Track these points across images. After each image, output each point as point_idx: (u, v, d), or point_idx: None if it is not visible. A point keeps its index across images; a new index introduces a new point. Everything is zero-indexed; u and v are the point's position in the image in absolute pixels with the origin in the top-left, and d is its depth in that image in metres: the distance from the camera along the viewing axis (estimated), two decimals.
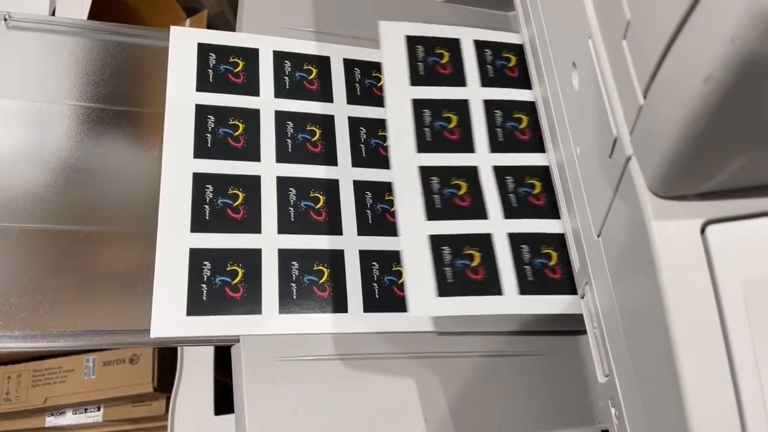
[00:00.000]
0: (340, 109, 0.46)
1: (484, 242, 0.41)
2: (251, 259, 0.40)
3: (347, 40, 0.49)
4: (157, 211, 0.40)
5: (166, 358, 0.69)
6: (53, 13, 0.63)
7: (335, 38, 0.48)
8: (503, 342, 0.41)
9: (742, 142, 0.22)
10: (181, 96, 0.44)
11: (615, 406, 0.34)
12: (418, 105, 0.45)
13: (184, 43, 0.45)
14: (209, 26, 0.78)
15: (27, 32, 0.44)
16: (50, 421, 0.74)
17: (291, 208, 0.42)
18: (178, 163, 0.42)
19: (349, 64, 0.48)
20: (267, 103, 0.45)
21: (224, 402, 0.64)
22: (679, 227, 0.25)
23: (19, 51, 0.44)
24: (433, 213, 0.41)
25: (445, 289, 0.39)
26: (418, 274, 0.39)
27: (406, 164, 0.42)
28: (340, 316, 0.40)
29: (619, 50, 0.26)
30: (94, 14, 0.63)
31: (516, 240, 0.41)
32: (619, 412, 0.34)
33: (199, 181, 0.41)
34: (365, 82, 0.48)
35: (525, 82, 0.47)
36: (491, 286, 0.40)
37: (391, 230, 0.43)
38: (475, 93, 0.46)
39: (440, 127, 0.44)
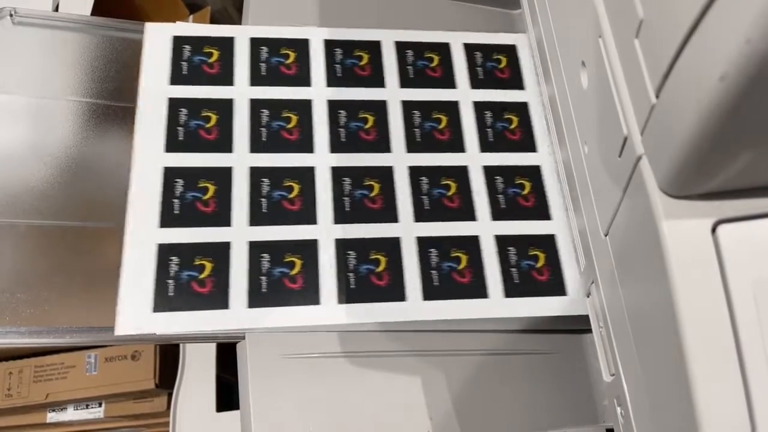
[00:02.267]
0: (319, 93, 0.45)
1: (471, 244, 0.41)
2: (220, 252, 0.39)
3: None
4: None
5: (168, 354, 0.69)
6: (57, 9, 0.62)
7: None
8: (508, 340, 0.41)
9: (756, 140, 0.22)
10: (154, 91, 0.43)
11: (621, 405, 0.34)
12: (408, 107, 0.45)
13: (158, 37, 0.45)
14: (212, 23, 0.78)
15: (32, 28, 0.44)
16: (51, 416, 0.74)
17: (263, 199, 0.41)
18: (149, 159, 0.41)
19: (330, 45, 0.46)
20: (241, 91, 0.44)
21: (226, 399, 0.64)
22: (689, 227, 0.25)
23: (24, 47, 0.44)
24: (421, 214, 0.41)
25: (430, 292, 0.39)
26: (139, 286, 0.38)
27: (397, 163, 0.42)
28: (312, 309, 0.39)
29: (631, 49, 0.26)
30: (97, 10, 0.63)
31: (503, 242, 0.41)
32: (625, 410, 0.34)
33: (170, 175, 0.41)
34: (346, 62, 0.46)
35: (516, 82, 0.47)
36: (478, 288, 0.40)
37: (370, 217, 0.41)
38: (465, 95, 0.46)
39: (430, 127, 0.44)
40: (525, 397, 0.40)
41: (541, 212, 0.43)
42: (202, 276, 0.38)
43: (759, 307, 0.24)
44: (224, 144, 0.42)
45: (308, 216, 0.41)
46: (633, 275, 0.30)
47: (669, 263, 0.25)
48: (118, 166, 0.42)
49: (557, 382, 0.41)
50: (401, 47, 0.47)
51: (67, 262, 0.39)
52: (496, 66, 0.47)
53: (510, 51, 0.48)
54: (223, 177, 0.41)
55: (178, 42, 0.45)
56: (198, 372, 0.65)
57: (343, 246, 0.40)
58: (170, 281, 0.38)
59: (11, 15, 0.43)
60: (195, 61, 0.44)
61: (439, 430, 0.38)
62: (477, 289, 0.40)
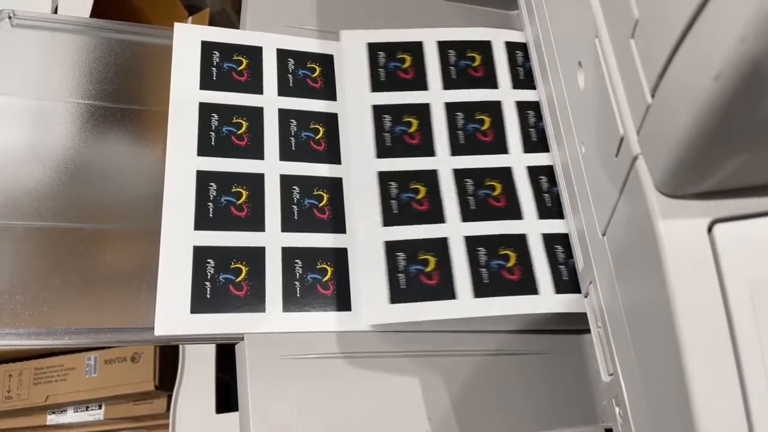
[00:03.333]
0: (344, 107, 0.46)
1: (440, 246, 0.41)
2: (255, 257, 0.40)
3: None
4: (161, 209, 0.40)
5: (168, 356, 0.69)
6: (56, 11, 0.63)
7: (338, 36, 0.48)
8: (506, 341, 0.41)
9: (752, 139, 0.22)
10: (185, 94, 0.44)
11: (619, 405, 0.34)
12: (378, 110, 0.45)
13: (187, 40, 0.45)
14: (211, 24, 0.78)
15: (31, 30, 0.44)
16: (51, 419, 0.74)
17: (294, 206, 0.42)
18: (182, 161, 0.41)
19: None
20: (270, 101, 0.45)
21: (226, 400, 0.64)
22: (686, 226, 0.25)
23: (23, 49, 0.44)
24: (389, 219, 0.42)
25: (398, 295, 0.39)
26: (372, 281, 0.39)
27: (365, 170, 0.43)
28: (343, 315, 0.40)
29: (627, 49, 0.26)
30: (96, 12, 0.63)
31: (472, 243, 0.42)
32: (623, 410, 0.34)
33: (203, 178, 0.41)
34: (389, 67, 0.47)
35: (489, 82, 0.47)
36: (445, 290, 0.40)
37: (416, 219, 0.42)
38: (437, 96, 0.46)
39: (401, 131, 0.45)
40: (523, 397, 0.40)
41: (514, 212, 0.43)
42: (238, 279, 0.39)
43: (755, 306, 0.24)
44: (255, 151, 0.43)
45: (337, 224, 0.42)
46: (630, 275, 0.30)
47: (665, 263, 0.25)
48: (117, 168, 0.42)
49: (556, 382, 0.41)
50: (443, 46, 0.47)
51: (66, 263, 0.39)
52: (470, 64, 0.47)
53: (485, 48, 0.48)
54: (255, 183, 0.42)
55: (207, 47, 0.45)
56: (197, 374, 0.65)
57: (391, 247, 0.41)
58: (207, 283, 0.39)
59: (10, 17, 0.43)
60: (224, 68, 0.45)
61: (437, 431, 0.38)
62: (527, 286, 0.40)
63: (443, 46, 0.47)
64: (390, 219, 0.42)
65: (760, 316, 0.24)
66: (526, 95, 0.46)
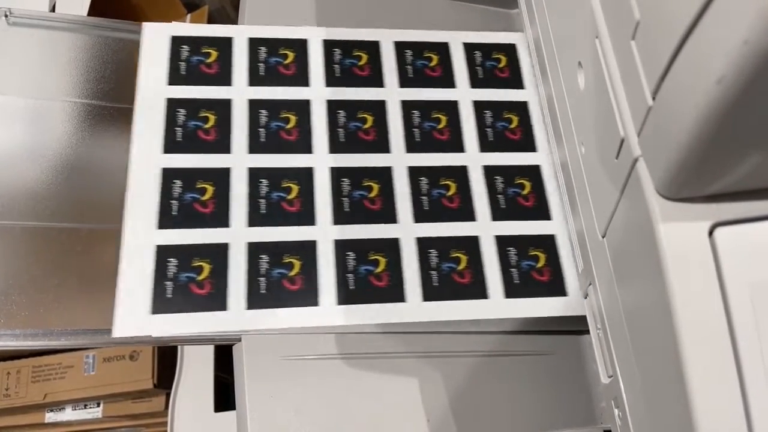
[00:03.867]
0: (318, 93, 0.44)
1: (392, 248, 0.40)
2: (218, 253, 0.39)
3: None
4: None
5: (166, 354, 0.69)
6: (53, 10, 0.62)
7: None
8: (506, 341, 0.41)
9: (754, 143, 0.21)
10: (152, 91, 0.42)
11: (618, 407, 0.34)
12: (407, 106, 0.45)
13: (156, 37, 0.44)
14: (210, 22, 0.77)
15: (28, 29, 0.44)
16: (50, 417, 0.73)
17: (262, 200, 0.41)
18: (147, 160, 0.41)
19: (329, 45, 0.46)
20: (240, 92, 0.44)
21: (224, 399, 0.64)
22: (686, 229, 0.25)
23: (19, 47, 0.43)
24: (420, 215, 0.41)
25: (430, 293, 0.39)
26: (137, 288, 0.38)
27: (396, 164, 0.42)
28: (311, 310, 0.38)
29: (628, 51, 0.25)
30: (94, 10, 0.63)
31: (503, 242, 0.41)
32: (623, 412, 0.34)
33: (168, 176, 0.40)
34: (345, 62, 0.46)
35: (516, 82, 0.46)
36: (477, 289, 0.40)
37: (368, 218, 0.41)
38: (464, 94, 0.46)
39: (430, 127, 0.44)
40: (522, 398, 0.40)
41: (541, 212, 0.42)
42: (200, 277, 0.38)
43: (756, 310, 0.24)
44: (222, 144, 0.42)
45: (307, 217, 0.41)
46: (630, 277, 0.30)
47: (666, 266, 0.25)
48: (113, 168, 0.42)
49: (555, 383, 0.41)
50: (400, 47, 0.47)
51: (62, 264, 0.39)
52: (495, 65, 0.47)
53: (510, 50, 0.48)
54: (221, 178, 0.41)
55: (176, 42, 0.44)
56: (196, 372, 0.65)
57: (342, 247, 0.40)
58: (168, 283, 0.38)
59: (7, 15, 0.43)
60: (193, 62, 0.44)
61: (436, 431, 0.38)
62: (477, 290, 0.40)
63: (400, 47, 0.47)
64: (340, 218, 0.41)
65: (760, 320, 0.24)
66: (410, 94, 0.45)
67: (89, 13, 0.61)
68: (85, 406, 0.73)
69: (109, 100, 0.43)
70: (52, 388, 0.71)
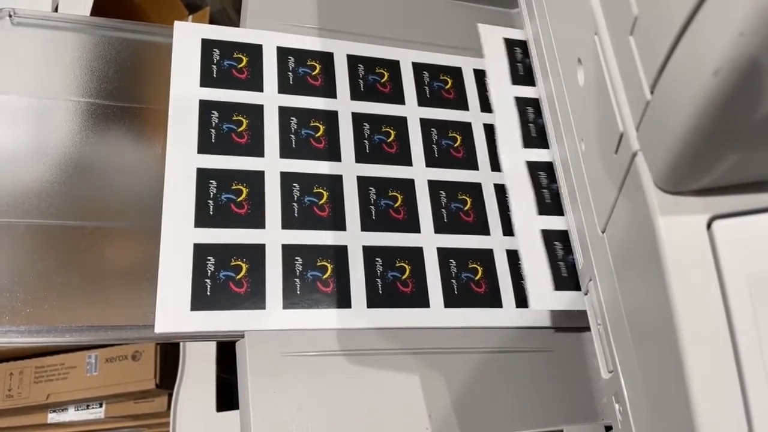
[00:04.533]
0: (344, 105, 0.46)
1: (416, 256, 0.42)
2: (255, 254, 0.40)
3: (351, 37, 0.49)
4: (162, 207, 0.40)
5: (168, 354, 0.69)
6: (56, 10, 0.63)
7: (339, 35, 0.48)
8: (506, 338, 0.42)
9: (751, 135, 0.22)
10: (185, 91, 0.44)
11: (619, 402, 0.34)
12: (426, 124, 0.46)
13: (187, 38, 0.45)
14: (211, 23, 0.78)
15: (31, 28, 0.44)
16: (52, 417, 0.74)
17: (294, 204, 0.42)
18: (182, 159, 0.42)
19: (353, 60, 0.48)
20: (271, 98, 0.45)
21: (226, 398, 0.64)
22: (685, 223, 0.25)
23: (23, 47, 0.44)
24: (368, 224, 0.43)
25: (451, 300, 0.41)
26: (178, 286, 0.38)
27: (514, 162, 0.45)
28: (343, 312, 0.40)
29: (626, 46, 0.26)
30: (96, 10, 0.63)
31: (513, 257, 0.44)
32: (623, 407, 0.34)
33: (203, 176, 0.41)
34: (369, 78, 0.48)
35: (460, 104, 0.49)
36: (420, 298, 0.41)
37: (394, 226, 0.43)
38: (476, 117, 0.48)
39: (379, 140, 0.46)
40: (524, 394, 0.40)
41: (482, 228, 0.45)
42: (238, 276, 0.39)
43: (754, 302, 0.24)
44: (255, 148, 0.43)
45: (337, 222, 0.42)
46: (629, 272, 0.30)
47: (665, 259, 0.25)
48: (117, 166, 0.42)
49: (556, 379, 0.41)
50: (418, 68, 0.49)
51: (67, 261, 0.39)
52: (443, 86, 0.49)
53: (456, 73, 0.50)
54: (255, 180, 0.42)
55: (207, 45, 0.45)
56: (198, 372, 0.65)
57: (371, 253, 0.42)
58: (207, 281, 0.39)
59: (10, 15, 0.43)
60: (224, 66, 0.45)
61: (438, 428, 0.38)
62: (492, 299, 0.42)
63: (418, 67, 0.49)
64: (367, 225, 0.43)
65: (758, 312, 0.24)
66: (429, 113, 0.48)
67: (92, 13, 0.61)
68: (88, 406, 0.73)
69: (113, 99, 0.44)
70: (55, 388, 0.71)
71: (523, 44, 0.49)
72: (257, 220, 0.41)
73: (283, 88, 0.45)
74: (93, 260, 0.39)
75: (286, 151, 0.44)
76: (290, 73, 0.46)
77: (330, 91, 0.46)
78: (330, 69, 0.47)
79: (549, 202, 0.43)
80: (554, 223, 0.43)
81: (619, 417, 0.35)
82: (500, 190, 0.46)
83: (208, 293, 0.38)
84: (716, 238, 0.25)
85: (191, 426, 0.63)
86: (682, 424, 0.25)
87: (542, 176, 0.44)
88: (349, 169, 0.44)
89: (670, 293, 0.25)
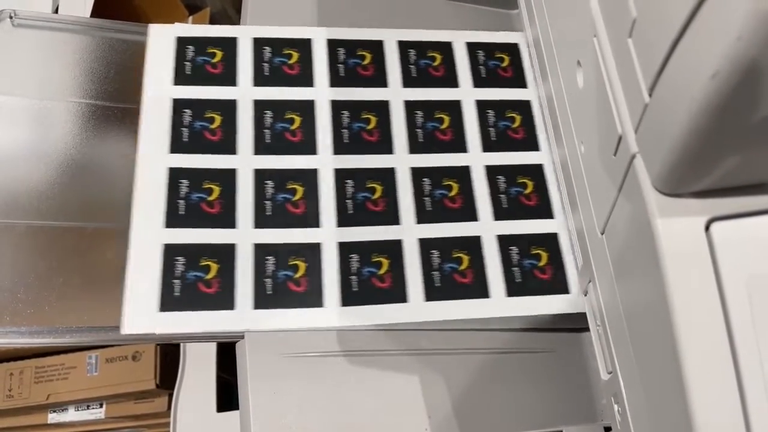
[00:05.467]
0: (322, 93, 0.45)
1: (394, 250, 0.41)
2: (225, 254, 0.39)
3: None
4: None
5: (169, 354, 0.69)
6: (56, 11, 0.63)
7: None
8: (506, 339, 0.42)
9: (748, 137, 0.22)
10: (158, 91, 0.43)
11: (618, 403, 0.35)
12: (410, 106, 0.45)
13: (162, 39, 0.45)
14: (212, 23, 0.78)
15: (32, 30, 0.44)
16: (53, 417, 0.74)
17: (268, 201, 0.41)
18: (153, 159, 0.41)
19: (333, 45, 0.46)
20: (245, 92, 0.44)
21: (227, 399, 0.64)
22: (683, 224, 0.25)
23: (24, 49, 0.44)
24: (423, 215, 0.41)
25: (432, 293, 0.39)
26: (145, 287, 0.38)
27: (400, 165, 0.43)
28: (315, 311, 0.39)
29: (625, 48, 0.26)
30: (97, 12, 0.63)
31: (505, 241, 0.41)
32: (622, 408, 0.34)
33: (175, 176, 0.41)
34: (349, 62, 0.46)
35: (518, 81, 0.47)
36: (397, 293, 0.40)
37: (371, 219, 0.41)
38: (467, 93, 0.46)
39: (433, 127, 0.44)
40: (523, 395, 0.40)
41: (544, 211, 0.43)
42: (208, 276, 0.39)
43: (752, 304, 0.24)
44: (228, 145, 0.42)
45: (312, 219, 0.41)
46: (628, 273, 0.30)
47: (663, 261, 0.25)
48: (117, 167, 0.42)
49: (555, 380, 0.41)
50: (404, 46, 0.47)
51: (66, 262, 0.39)
52: (498, 65, 0.47)
53: (513, 50, 0.48)
54: (227, 179, 0.41)
55: (182, 43, 0.45)
56: (198, 372, 0.65)
57: (346, 249, 0.40)
58: (176, 281, 0.38)
59: (11, 17, 0.43)
60: (198, 62, 0.44)
61: (437, 428, 0.38)
62: (479, 289, 0.40)
63: (333, 44, 0.47)
64: (344, 220, 0.41)
65: (756, 314, 0.24)
66: (414, 94, 0.46)
67: (92, 15, 0.62)
68: (88, 406, 0.73)
69: (113, 100, 0.44)
70: (55, 388, 0.71)
71: (195, 41, 0.45)
72: (228, 220, 0.40)
73: (258, 80, 0.44)
74: (93, 261, 0.40)
75: (260, 148, 0.42)
76: (266, 64, 0.45)
77: (307, 80, 0.45)
78: (308, 56, 0.45)
79: (182, 213, 0.40)
80: (178, 236, 0.39)
81: (618, 418, 0.35)
82: (492, 172, 0.43)
83: (177, 294, 0.38)
84: (714, 240, 0.25)
85: (191, 426, 0.63)
86: (681, 425, 0.25)
87: (183, 185, 0.41)
88: (325, 161, 0.42)
89: (668, 295, 0.25)
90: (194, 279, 0.38)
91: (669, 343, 0.25)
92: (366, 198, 0.42)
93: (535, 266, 0.41)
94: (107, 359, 0.70)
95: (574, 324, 0.42)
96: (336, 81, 0.45)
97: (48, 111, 0.43)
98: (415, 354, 0.40)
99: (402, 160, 0.43)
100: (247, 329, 0.38)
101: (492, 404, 0.40)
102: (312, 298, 0.39)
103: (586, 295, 0.39)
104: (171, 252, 0.39)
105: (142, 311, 0.37)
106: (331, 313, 0.39)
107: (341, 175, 0.42)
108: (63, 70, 0.44)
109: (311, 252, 0.40)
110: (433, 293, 0.40)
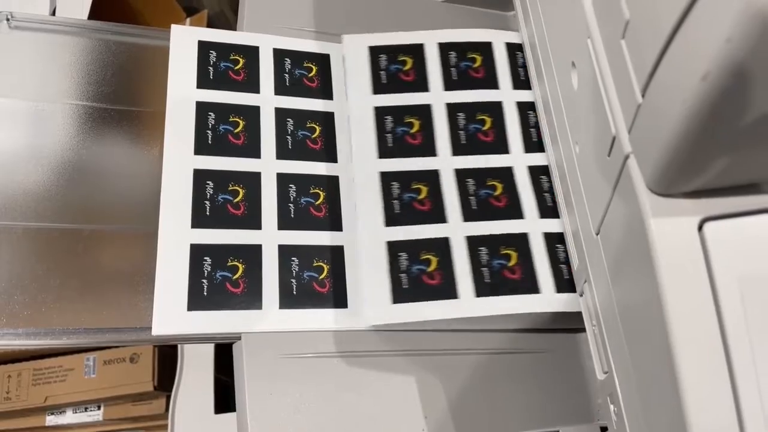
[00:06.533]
0: (340, 106, 0.46)
1: (442, 246, 0.41)
2: (252, 254, 0.40)
3: None
4: (158, 210, 0.40)
5: (167, 356, 0.69)
6: (53, 13, 0.63)
7: (335, 38, 0.48)
8: (502, 340, 0.42)
9: (739, 138, 0.22)
10: (182, 93, 0.44)
11: (614, 403, 0.35)
12: (380, 112, 0.45)
13: (184, 41, 0.45)
14: (209, 26, 0.78)
15: (29, 32, 0.44)
16: (50, 419, 0.74)
17: (291, 205, 0.42)
18: (179, 160, 0.42)
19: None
20: (267, 100, 0.45)
21: (224, 400, 0.64)
22: (676, 224, 0.25)
23: (21, 51, 0.44)
24: (392, 219, 0.42)
25: (400, 295, 0.40)
26: (375, 281, 0.40)
27: (366, 170, 0.43)
28: (340, 312, 0.40)
29: (618, 50, 0.26)
30: (94, 14, 0.63)
31: (474, 242, 0.42)
32: (618, 408, 0.34)
33: (200, 177, 0.42)
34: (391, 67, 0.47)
35: (490, 83, 0.47)
36: (448, 290, 0.40)
37: (418, 219, 0.42)
38: (438, 97, 0.46)
39: (402, 132, 0.45)
40: (519, 395, 0.40)
41: (514, 212, 0.43)
42: (235, 276, 0.39)
43: (745, 304, 0.24)
44: (252, 149, 0.43)
45: (334, 222, 0.42)
46: (623, 273, 0.30)
47: (656, 261, 0.25)
48: (114, 169, 0.42)
49: (552, 380, 0.41)
50: (445, 48, 0.48)
51: (64, 264, 0.39)
52: (470, 65, 0.48)
53: (485, 49, 0.48)
54: (252, 181, 0.42)
55: (204, 47, 0.46)
56: (196, 374, 0.65)
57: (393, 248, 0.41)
58: (204, 281, 0.39)
59: (8, 19, 0.44)
60: (221, 67, 0.45)
61: (434, 429, 0.38)
62: (528, 285, 0.41)
63: (444, 48, 0.48)
64: (392, 219, 0.42)
65: (749, 314, 0.24)
66: (526, 96, 0.47)
67: (89, 17, 0.62)
68: (86, 409, 0.73)
69: (110, 102, 0.44)
70: (53, 391, 0.71)
71: (217, 47, 0.46)
72: (254, 221, 0.41)
73: (280, 89, 0.46)
74: (90, 263, 0.40)
75: (282, 153, 0.44)
76: (287, 75, 0.46)
77: (326, 93, 0.46)
78: (326, 70, 0.47)
79: (208, 214, 0.41)
80: (205, 237, 0.40)
81: (614, 418, 0.35)
82: (534, 172, 0.44)
83: (205, 293, 0.39)
84: (707, 239, 0.25)
85: (189, 428, 0.64)
86: (675, 425, 0.25)
87: (209, 186, 0.42)
88: (345, 169, 0.44)
89: (661, 294, 0.25)
90: (221, 279, 0.39)
91: (663, 342, 0.25)
92: (412, 198, 0.43)
93: (505, 266, 0.41)
94: (105, 361, 0.70)
95: (570, 324, 0.42)
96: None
97: (45, 113, 0.43)
98: (411, 355, 0.40)
99: (446, 163, 0.44)
100: (274, 329, 0.39)
101: (488, 405, 0.40)
102: (336, 299, 0.40)
103: (582, 296, 0.39)
104: (198, 252, 0.40)
105: (171, 312, 0.38)
106: (354, 314, 0.40)
107: (385, 177, 0.43)
108: (60, 73, 0.44)
109: (334, 254, 0.41)
110: (483, 289, 0.40)
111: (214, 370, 0.65)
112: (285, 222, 0.42)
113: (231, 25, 0.85)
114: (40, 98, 0.43)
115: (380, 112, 0.45)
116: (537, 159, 0.45)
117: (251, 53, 0.46)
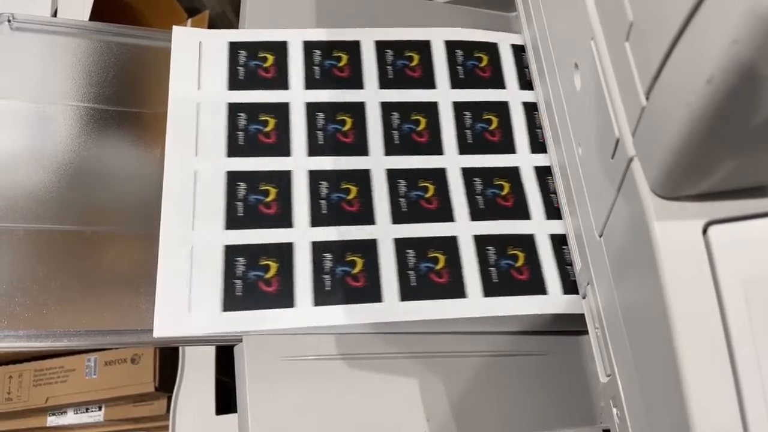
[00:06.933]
0: (372, 95, 0.45)
1: (450, 245, 0.41)
2: (284, 253, 0.40)
3: None
4: (159, 212, 0.40)
5: (168, 357, 0.69)
6: (55, 14, 0.63)
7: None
8: (505, 342, 0.42)
9: (745, 142, 0.22)
10: (213, 96, 0.44)
11: (617, 406, 0.35)
12: (387, 108, 0.45)
13: (186, 42, 0.45)
14: (210, 27, 0.78)
15: (30, 33, 0.44)
16: (52, 420, 0.74)
17: (323, 201, 0.42)
18: (211, 163, 0.42)
19: (381, 46, 0.47)
20: (297, 95, 0.45)
21: (225, 402, 0.64)
22: (681, 228, 0.25)
23: (22, 52, 0.44)
24: (399, 216, 0.42)
25: (407, 293, 0.40)
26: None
27: (376, 169, 0.43)
28: (374, 306, 0.39)
29: (622, 51, 0.26)
30: (95, 15, 0.63)
31: (481, 242, 0.42)
32: (621, 411, 0.34)
33: (232, 179, 0.42)
34: (397, 63, 0.47)
35: (496, 82, 0.47)
36: (456, 288, 0.40)
37: (426, 217, 0.42)
38: (445, 95, 0.46)
39: (409, 129, 0.45)
40: (522, 398, 0.40)
41: (520, 212, 0.43)
42: (268, 276, 0.39)
43: (750, 308, 0.24)
44: (283, 148, 0.43)
45: (367, 216, 0.42)
46: (626, 276, 0.30)
47: (660, 264, 0.25)
48: (116, 171, 0.42)
49: (554, 383, 0.41)
50: (451, 46, 0.48)
51: (65, 266, 0.39)
52: (477, 65, 0.47)
53: (491, 49, 0.48)
54: (283, 180, 0.42)
55: (234, 47, 0.45)
56: (197, 375, 0.65)
57: (402, 245, 0.41)
58: (238, 281, 0.39)
59: (9, 21, 0.43)
60: (251, 66, 0.45)
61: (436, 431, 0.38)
62: (455, 289, 0.40)
63: (451, 46, 0.48)
64: (398, 217, 0.42)
65: (754, 318, 0.24)
66: (532, 96, 0.47)
67: (91, 18, 0.62)
68: (87, 409, 0.73)
69: (111, 103, 0.44)
70: (54, 391, 0.71)
71: (247, 46, 0.45)
72: (285, 220, 0.41)
73: (309, 83, 0.45)
74: (91, 265, 0.40)
75: (313, 149, 0.43)
76: (316, 67, 0.46)
77: (356, 82, 0.46)
78: (356, 58, 0.46)
79: (241, 215, 0.41)
80: (238, 238, 0.40)
81: (617, 421, 0.35)
82: (541, 173, 0.44)
83: (239, 293, 0.39)
84: (712, 243, 0.25)
85: (190, 429, 0.64)
86: (679, 429, 0.25)
87: (241, 187, 0.42)
88: (377, 162, 0.43)
89: (665, 298, 0.25)
90: (255, 278, 0.39)
91: (666, 345, 0.25)
92: (419, 196, 0.43)
93: (512, 266, 0.41)
94: (106, 362, 0.70)
95: (573, 326, 0.42)
96: (385, 83, 0.46)
97: (46, 114, 0.43)
98: (413, 357, 0.40)
99: (452, 161, 0.44)
100: (309, 326, 0.38)
101: (490, 407, 0.40)
102: (370, 293, 0.40)
103: (584, 298, 0.39)
104: (231, 253, 0.40)
105: (206, 312, 0.38)
106: (390, 307, 0.39)
107: (394, 175, 0.43)
108: (61, 74, 0.44)
109: (367, 248, 0.41)
110: (408, 293, 0.40)
111: (215, 371, 0.65)
112: (317, 219, 0.41)
113: (233, 25, 0.85)
114: (41, 100, 0.43)
115: (387, 108, 0.45)
116: (543, 160, 0.45)
117: (280, 48, 0.46)
